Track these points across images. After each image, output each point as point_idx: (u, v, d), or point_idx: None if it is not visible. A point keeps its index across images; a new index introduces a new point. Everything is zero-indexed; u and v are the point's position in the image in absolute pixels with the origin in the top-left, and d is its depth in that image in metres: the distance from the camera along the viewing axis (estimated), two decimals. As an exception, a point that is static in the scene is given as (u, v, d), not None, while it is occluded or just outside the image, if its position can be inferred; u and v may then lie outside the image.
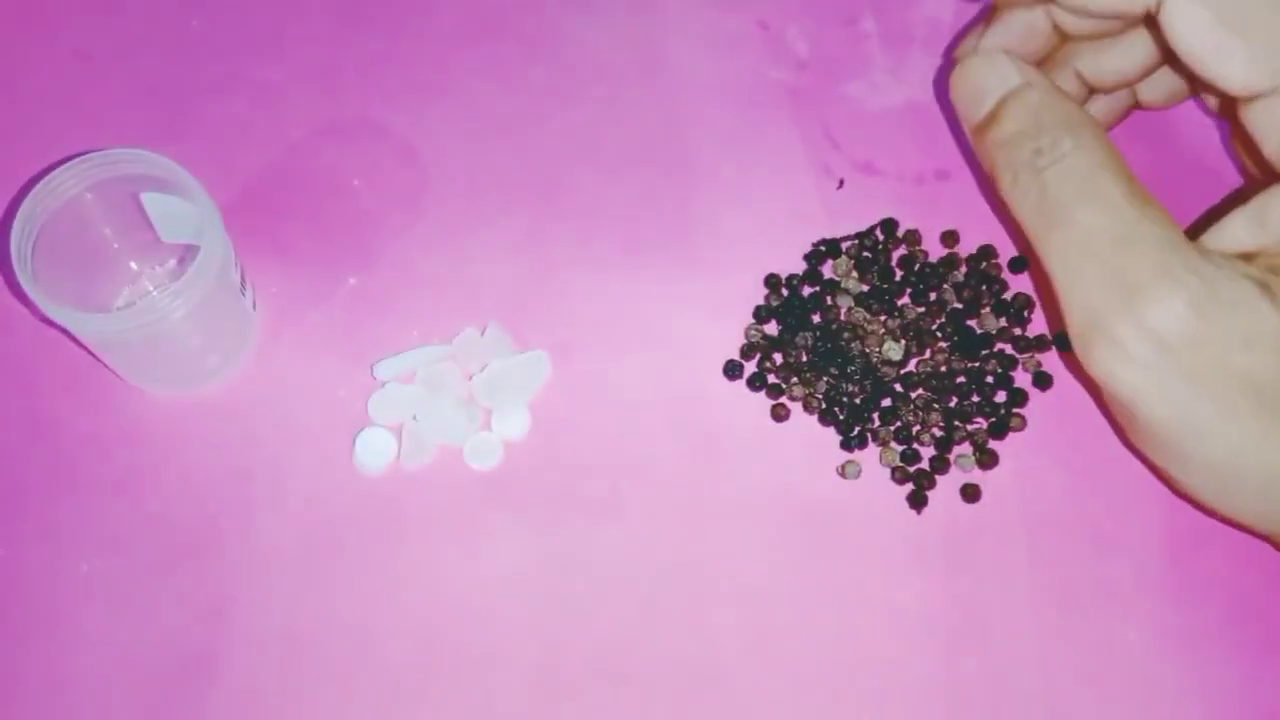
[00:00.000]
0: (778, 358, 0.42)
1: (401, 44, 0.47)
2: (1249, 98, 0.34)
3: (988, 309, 0.42)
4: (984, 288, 0.43)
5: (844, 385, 0.41)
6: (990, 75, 0.37)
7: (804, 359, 0.42)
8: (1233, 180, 0.43)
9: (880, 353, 0.41)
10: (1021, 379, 0.42)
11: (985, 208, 0.44)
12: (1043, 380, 0.42)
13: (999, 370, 0.42)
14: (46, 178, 0.38)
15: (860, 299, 0.42)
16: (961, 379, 0.42)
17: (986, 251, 0.43)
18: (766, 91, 0.46)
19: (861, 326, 0.42)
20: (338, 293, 0.43)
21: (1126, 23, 0.38)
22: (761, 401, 0.42)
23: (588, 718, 0.38)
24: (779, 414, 0.41)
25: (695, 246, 0.44)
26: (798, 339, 0.42)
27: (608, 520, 0.40)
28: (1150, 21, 0.35)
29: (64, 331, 0.39)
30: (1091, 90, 0.41)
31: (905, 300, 0.43)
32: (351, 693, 0.38)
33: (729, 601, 0.39)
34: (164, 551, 0.40)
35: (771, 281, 0.43)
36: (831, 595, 0.39)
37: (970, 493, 0.40)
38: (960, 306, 0.43)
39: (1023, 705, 0.38)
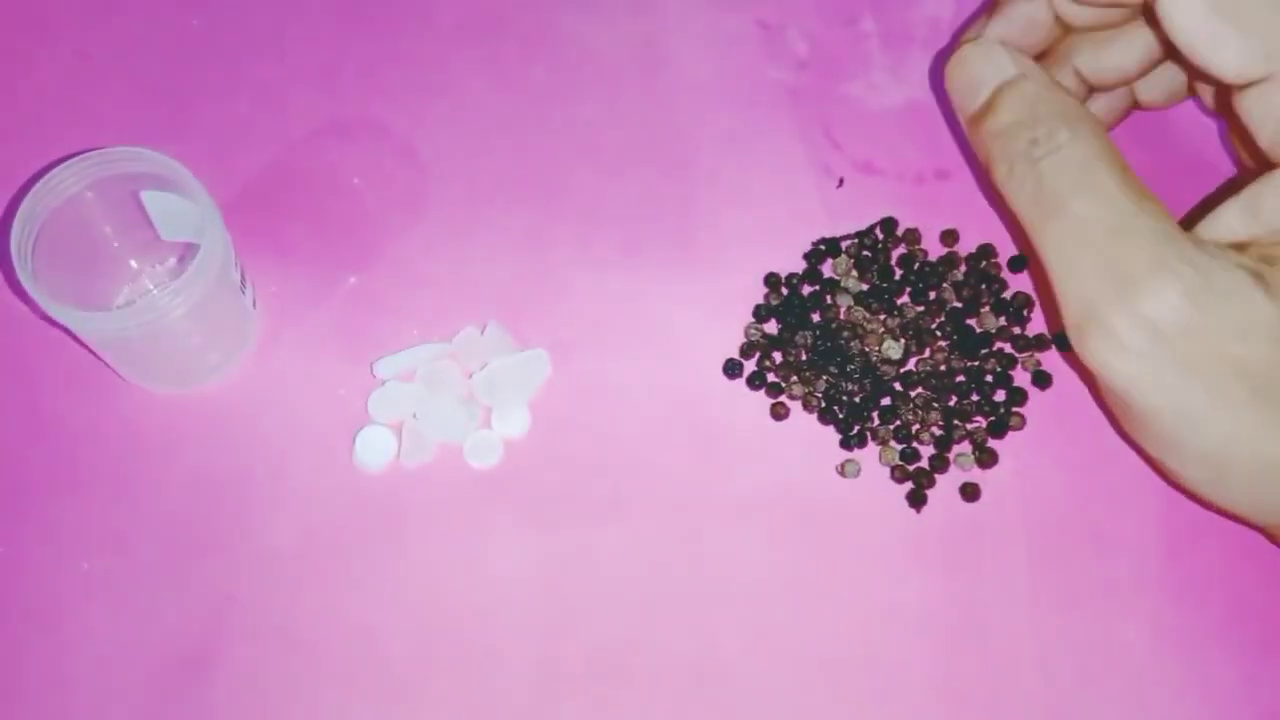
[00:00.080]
0: (777, 356, 0.42)
1: (401, 43, 0.47)
2: (1244, 85, 0.34)
3: (987, 308, 0.42)
4: (983, 287, 0.43)
5: (843, 384, 0.41)
6: (986, 65, 0.37)
7: (804, 358, 0.42)
8: (1229, 176, 0.43)
9: (880, 351, 0.42)
10: (1021, 378, 0.42)
11: (985, 207, 0.44)
12: (1042, 379, 0.42)
13: (998, 369, 0.42)
14: (47, 176, 0.38)
15: (860, 298, 0.42)
16: (961, 378, 0.42)
17: (986, 250, 0.43)
18: (766, 91, 0.46)
19: (861, 325, 0.42)
20: (338, 291, 0.43)
21: (1126, 14, 0.38)
22: (761, 400, 0.42)
23: (587, 716, 0.38)
24: (778, 413, 0.41)
25: (695, 245, 0.44)
26: (797, 338, 0.42)
27: (607, 518, 0.40)
28: (1149, 12, 0.36)
29: (64, 330, 0.39)
30: (1091, 89, 0.41)
31: (905, 299, 0.43)
32: (352, 691, 0.38)
33: (728, 599, 0.39)
34: (164, 550, 0.40)
35: (771, 280, 0.43)
36: (831, 594, 0.39)
37: (970, 492, 0.40)
38: (960, 305, 0.43)
39: (1022, 704, 0.38)
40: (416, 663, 0.39)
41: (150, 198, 0.40)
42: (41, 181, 0.38)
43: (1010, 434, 0.41)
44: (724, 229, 0.44)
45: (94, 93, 0.47)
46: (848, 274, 0.43)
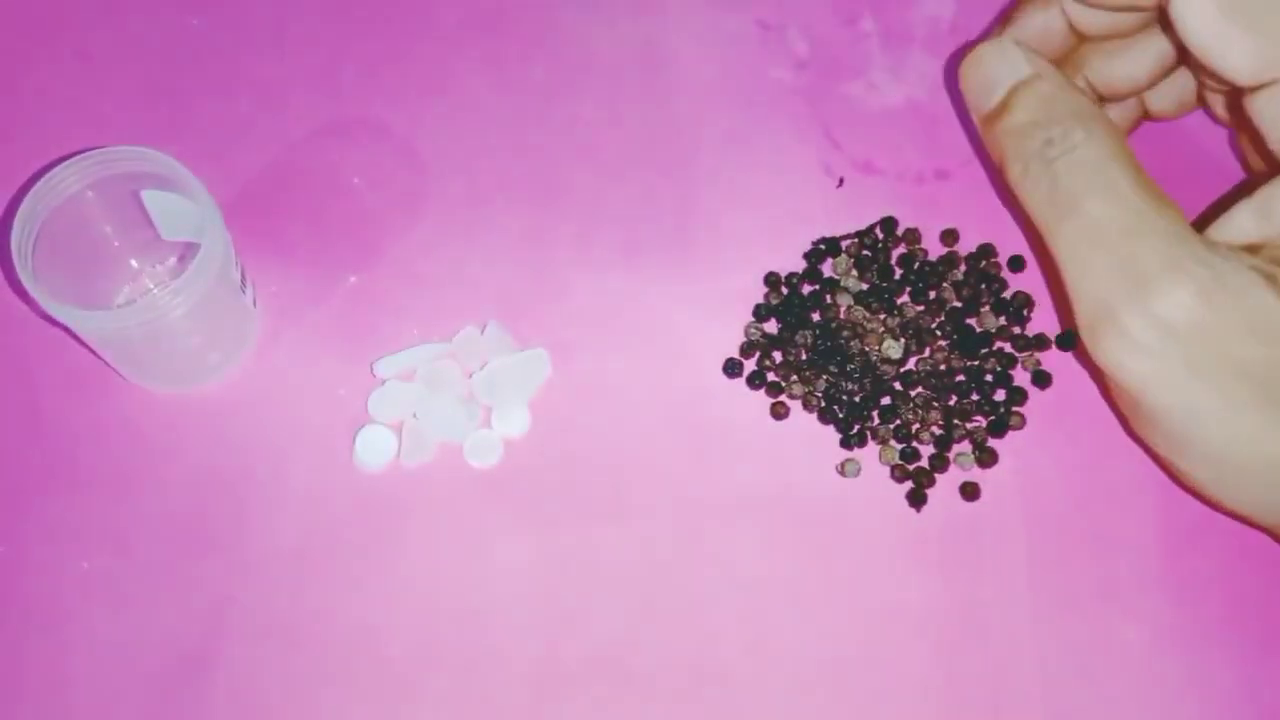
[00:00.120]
0: (777, 356, 0.42)
1: (402, 43, 0.47)
2: (1255, 88, 0.35)
3: (987, 307, 0.42)
4: (983, 286, 0.43)
5: (843, 383, 0.41)
6: (1001, 65, 0.37)
7: (804, 357, 0.42)
8: (1238, 180, 0.43)
9: (880, 351, 0.42)
10: (1021, 377, 0.42)
11: (985, 206, 0.44)
12: (1042, 379, 0.42)
13: (998, 369, 0.42)
14: (47, 175, 0.38)
15: (860, 297, 0.42)
16: (961, 377, 0.42)
17: (986, 250, 0.43)
18: (766, 91, 0.46)
19: (861, 325, 0.42)
20: (338, 290, 0.43)
21: (1139, 23, 0.38)
22: (761, 399, 0.42)
23: (587, 715, 0.38)
24: (778, 412, 0.41)
25: (695, 245, 0.44)
26: (797, 337, 0.42)
27: (607, 518, 0.40)
28: (1162, 15, 0.36)
29: (64, 329, 0.39)
30: (1102, 100, 0.41)
31: (905, 299, 0.43)
32: (352, 690, 0.38)
33: (728, 599, 0.39)
34: (164, 549, 0.40)
35: (771, 280, 0.43)
36: (831, 593, 0.39)
37: (969, 491, 0.40)
38: (959, 305, 0.43)
39: (1022, 703, 0.38)
40: (416, 662, 0.39)
41: (150, 197, 0.40)
42: (42, 181, 0.38)
43: (1010, 433, 0.41)
44: (724, 228, 0.44)
45: (94, 92, 0.47)
46: (848, 273, 0.43)
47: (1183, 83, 0.41)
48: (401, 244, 0.44)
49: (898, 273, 0.43)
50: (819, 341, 0.42)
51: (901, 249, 0.44)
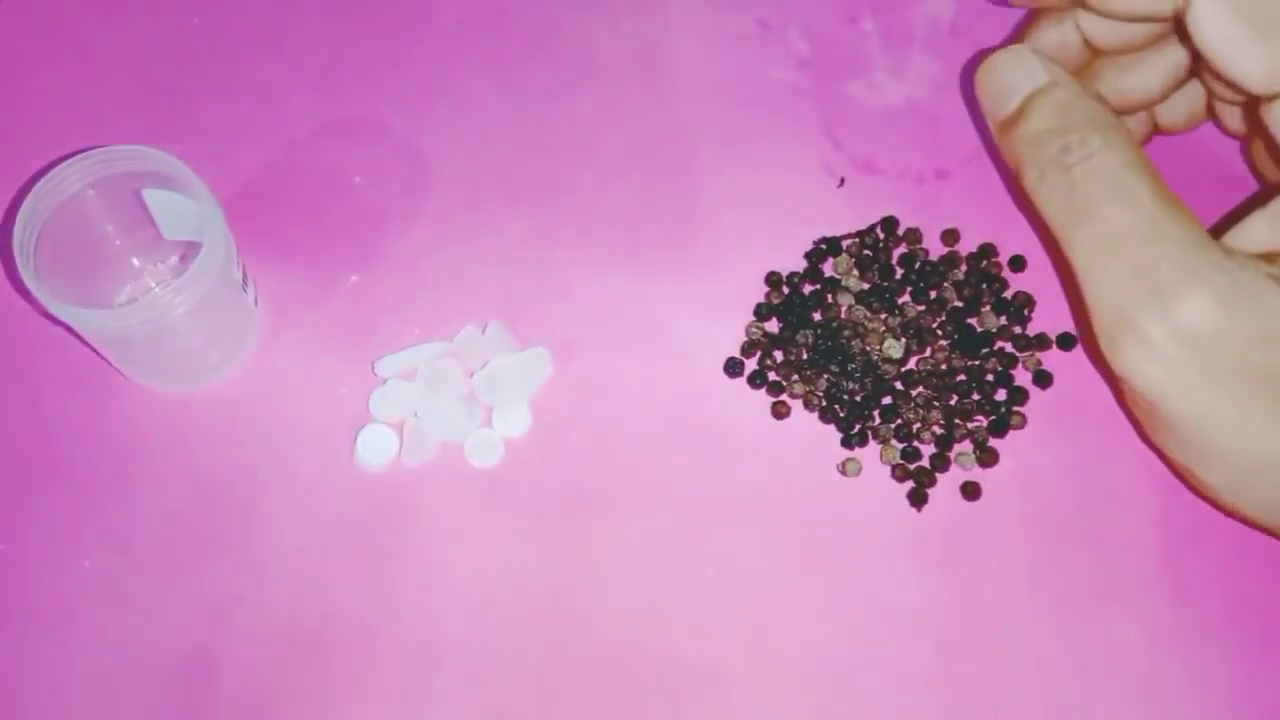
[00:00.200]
0: (778, 355, 0.42)
1: (403, 42, 0.47)
2: (1272, 96, 0.35)
3: (988, 307, 0.42)
4: (984, 286, 0.43)
5: (844, 383, 0.41)
6: (1017, 71, 0.37)
7: (805, 357, 0.42)
8: (1252, 191, 0.43)
9: (881, 350, 0.42)
10: (1022, 377, 0.42)
11: (985, 206, 0.44)
12: (1043, 378, 0.42)
13: (999, 368, 0.42)
14: (48, 174, 0.38)
15: (861, 297, 0.42)
16: (962, 377, 0.42)
17: (987, 250, 0.43)
18: (767, 90, 0.46)
19: (862, 324, 0.42)
20: (339, 290, 0.43)
21: (1153, 35, 0.39)
22: (762, 399, 0.42)
23: (588, 714, 0.38)
24: (779, 411, 0.41)
25: (696, 244, 0.44)
26: (798, 337, 0.42)
27: (608, 517, 0.40)
28: (1179, 24, 0.36)
29: (66, 328, 0.39)
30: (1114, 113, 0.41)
31: (906, 298, 0.43)
32: (353, 689, 0.38)
33: (729, 598, 0.39)
34: (165, 548, 0.40)
35: (772, 279, 0.43)
36: (831, 593, 0.39)
37: (970, 490, 0.40)
38: (960, 305, 0.43)
39: (1022, 703, 0.38)
40: (417, 660, 0.39)
41: (152, 196, 0.40)
42: (43, 180, 0.38)
43: (1011, 433, 0.41)
44: (725, 228, 0.44)
45: (96, 91, 0.47)
46: (849, 273, 0.43)
47: (1193, 95, 0.41)
48: (403, 243, 0.44)
49: (899, 272, 0.43)
50: (820, 341, 0.42)
51: (902, 249, 0.44)
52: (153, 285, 0.43)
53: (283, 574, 0.40)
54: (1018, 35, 0.41)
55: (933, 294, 0.43)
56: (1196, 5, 0.34)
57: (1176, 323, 0.33)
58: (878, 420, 0.41)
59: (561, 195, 0.45)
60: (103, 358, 0.41)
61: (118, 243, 0.42)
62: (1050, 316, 0.43)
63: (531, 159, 0.45)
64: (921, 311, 0.42)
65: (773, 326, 0.43)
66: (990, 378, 0.42)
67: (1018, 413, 0.41)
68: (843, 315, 0.42)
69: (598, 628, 0.39)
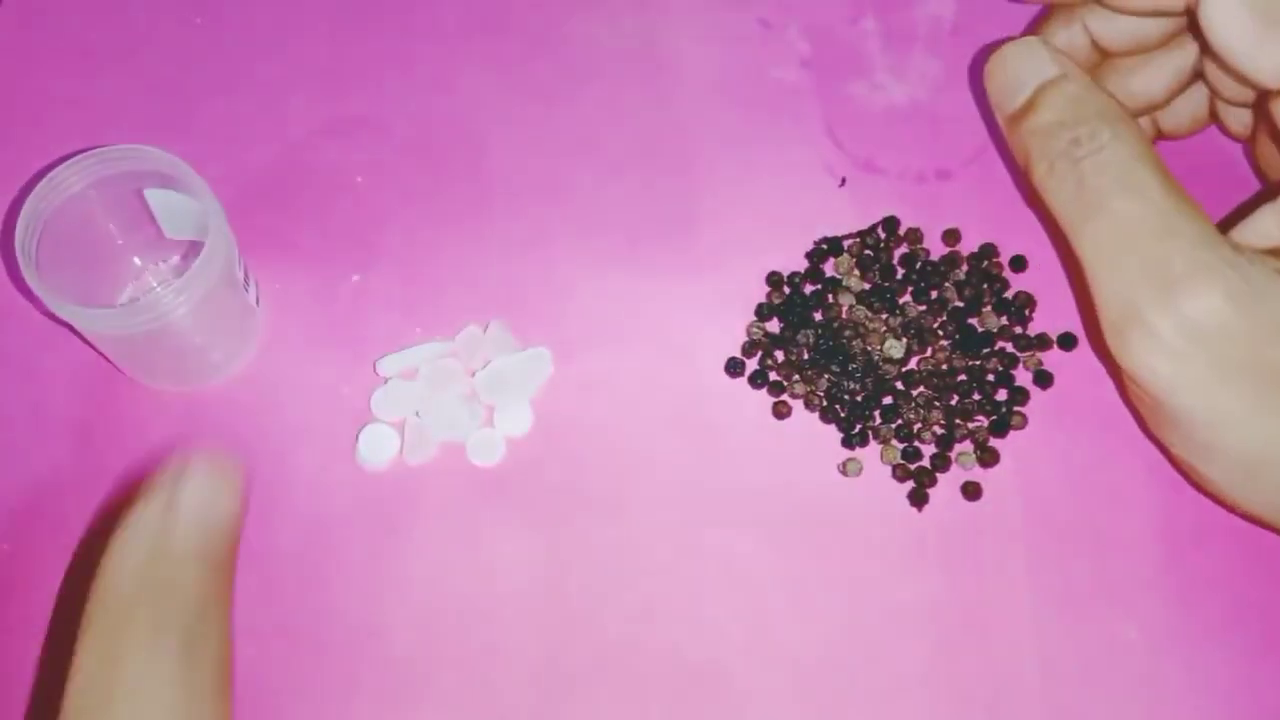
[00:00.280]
0: (779, 355, 0.42)
1: (404, 41, 0.47)
2: None
3: (989, 307, 0.42)
4: (985, 286, 0.43)
5: (845, 383, 0.41)
6: (1028, 64, 0.37)
7: (805, 356, 0.42)
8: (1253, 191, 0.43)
9: (882, 350, 0.42)
10: (1022, 377, 0.42)
11: (986, 206, 0.44)
12: (1043, 378, 0.42)
13: (1000, 368, 0.42)
14: (50, 174, 0.39)
15: (862, 297, 0.43)
16: (962, 377, 0.42)
17: (988, 250, 0.43)
18: (768, 90, 0.46)
19: (863, 324, 0.42)
20: (341, 289, 0.43)
21: (1161, 35, 0.39)
22: (763, 399, 0.42)
23: (588, 713, 0.38)
24: (780, 411, 0.41)
25: (697, 244, 0.44)
26: (799, 336, 0.42)
27: (609, 517, 0.40)
28: (1191, 21, 0.36)
29: (68, 327, 0.40)
30: None
31: (907, 298, 0.43)
32: (353, 688, 0.38)
33: (729, 598, 0.39)
34: (167, 547, 0.40)
35: (773, 279, 0.43)
36: (831, 592, 0.39)
37: (971, 490, 0.40)
38: (961, 305, 0.43)
39: (1022, 703, 0.38)
40: (418, 660, 0.39)
41: (154, 196, 0.40)
42: (45, 179, 0.38)
43: (1012, 433, 0.41)
44: (726, 228, 0.44)
45: (96, 91, 0.47)
46: (850, 273, 0.43)
47: (1196, 99, 0.41)
48: (404, 243, 0.44)
49: (900, 272, 0.43)
50: (821, 341, 0.42)
51: (903, 248, 0.44)
52: (154, 285, 0.43)
53: (284, 572, 0.40)
54: (1030, 32, 0.41)
55: (934, 294, 0.43)
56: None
57: (1185, 317, 0.33)
58: (878, 420, 0.41)
59: (563, 195, 0.45)
60: (104, 357, 0.41)
61: (119, 242, 0.42)
62: (1051, 316, 0.43)
63: (533, 158, 0.46)
64: (922, 311, 0.42)
65: (774, 326, 0.43)
66: (991, 378, 0.42)
67: (1018, 413, 0.41)
68: (844, 315, 0.42)
69: (598, 627, 0.39)
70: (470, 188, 0.45)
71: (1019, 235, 0.44)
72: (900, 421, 0.41)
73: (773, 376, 0.42)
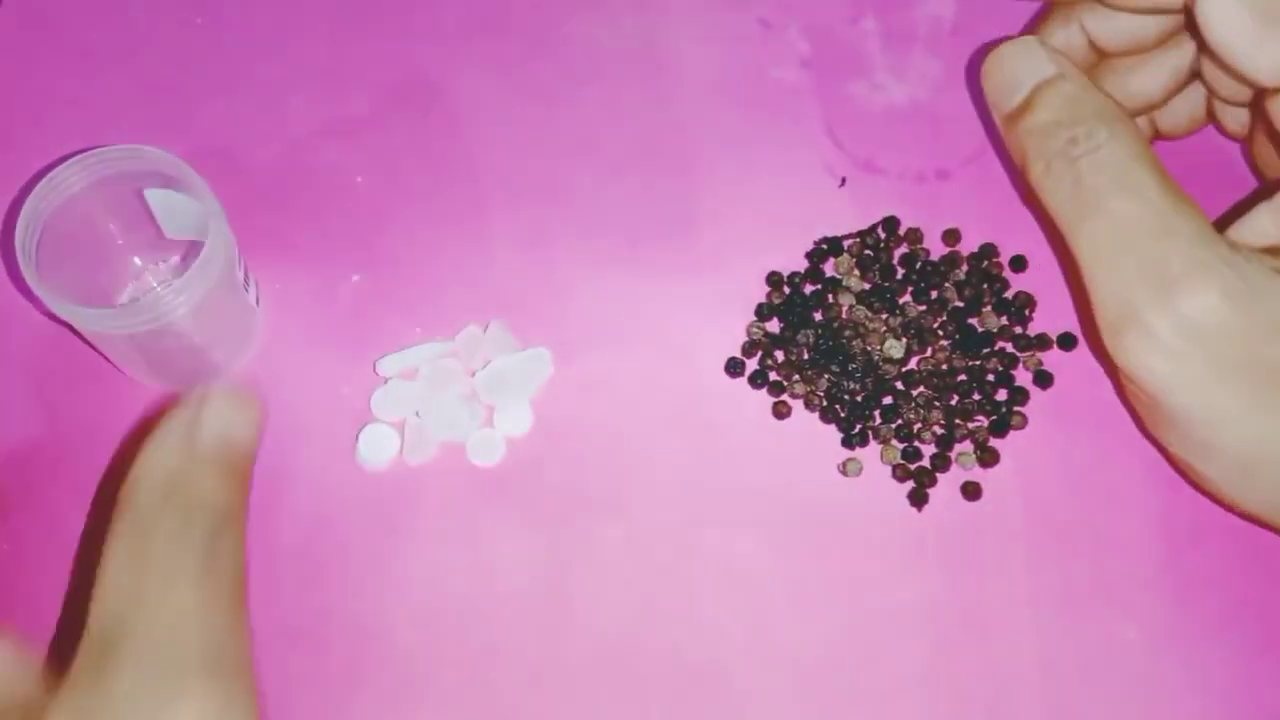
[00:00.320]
0: (779, 355, 0.42)
1: (404, 41, 0.47)
2: (1278, 89, 0.35)
3: (989, 307, 0.42)
4: (985, 286, 0.43)
5: (845, 383, 0.41)
6: (1025, 63, 0.37)
7: (805, 356, 0.42)
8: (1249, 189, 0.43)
9: (882, 350, 0.42)
10: (1022, 377, 0.42)
11: (986, 206, 0.44)
12: (1043, 378, 0.42)
13: (1000, 368, 0.42)
14: (50, 174, 0.39)
15: (862, 297, 0.43)
16: (962, 377, 0.42)
17: (988, 250, 0.43)
18: (768, 90, 0.46)
19: (863, 324, 0.42)
20: (341, 289, 0.43)
21: (1159, 35, 0.39)
22: (763, 399, 0.42)
23: (588, 713, 0.38)
24: (780, 411, 0.41)
25: (697, 244, 0.44)
26: (799, 336, 0.42)
27: (609, 517, 0.40)
28: (1189, 18, 0.36)
29: (68, 327, 0.40)
30: None
31: (907, 298, 0.43)
32: (354, 687, 0.38)
33: (729, 598, 0.39)
34: (167, 547, 0.40)
35: (773, 279, 0.43)
36: (831, 592, 0.39)
37: (971, 490, 0.40)
38: (961, 305, 0.43)
39: (1022, 703, 0.38)
40: (418, 659, 0.39)
41: (154, 196, 0.40)
42: (45, 179, 0.38)
43: (1012, 433, 0.41)
44: (726, 228, 0.44)
45: (96, 91, 0.47)
46: (850, 273, 0.43)
47: (1194, 99, 0.41)
48: (404, 243, 0.44)
49: (900, 272, 0.43)
50: (821, 341, 0.42)
51: (903, 248, 0.44)
52: (154, 285, 0.43)
53: (284, 572, 0.40)
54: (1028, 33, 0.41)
55: (934, 294, 0.43)
56: None
57: (1182, 316, 0.33)
58: (878, 420, 0.41)
59: (563, 195, 0.45)
60: (105, 357, 0.41)
61: (119, 242, 0.42)
62: (1051, 316, 0.43)
63: (533, 157, 0.46)
64: (922, 311, 0.42)
65: (774, 326, 0.43)
66: (991, 378, 0.42)
67: (1018, 413, 0.41)
68: (844, 315, 0.42)
69: (598, 627, 0.39)
70: (470, 188, 0.45)
71: (1019, 235, 0.44)
72: (900, 421, 0.41)
73: (773, 376, 0.42)
